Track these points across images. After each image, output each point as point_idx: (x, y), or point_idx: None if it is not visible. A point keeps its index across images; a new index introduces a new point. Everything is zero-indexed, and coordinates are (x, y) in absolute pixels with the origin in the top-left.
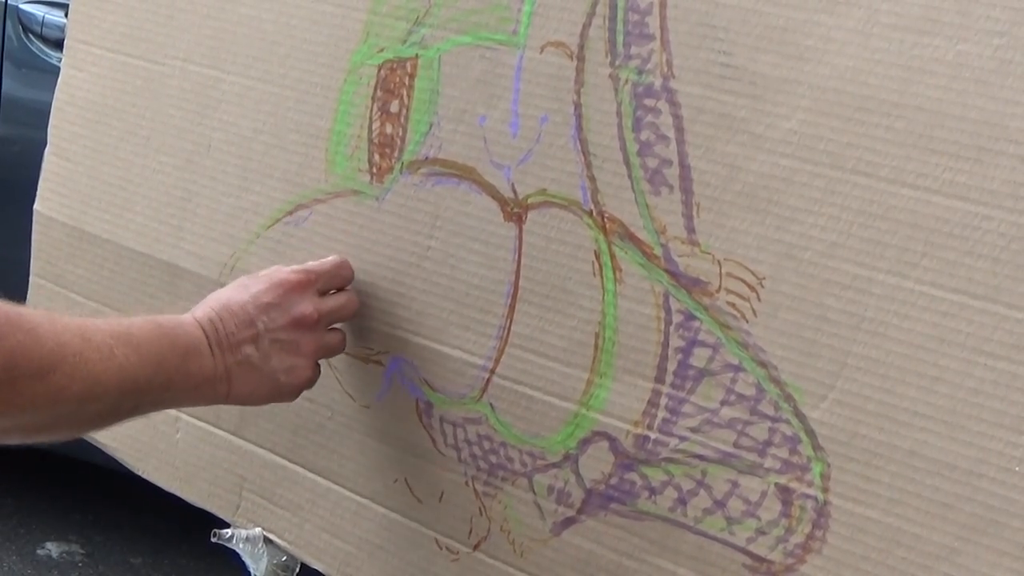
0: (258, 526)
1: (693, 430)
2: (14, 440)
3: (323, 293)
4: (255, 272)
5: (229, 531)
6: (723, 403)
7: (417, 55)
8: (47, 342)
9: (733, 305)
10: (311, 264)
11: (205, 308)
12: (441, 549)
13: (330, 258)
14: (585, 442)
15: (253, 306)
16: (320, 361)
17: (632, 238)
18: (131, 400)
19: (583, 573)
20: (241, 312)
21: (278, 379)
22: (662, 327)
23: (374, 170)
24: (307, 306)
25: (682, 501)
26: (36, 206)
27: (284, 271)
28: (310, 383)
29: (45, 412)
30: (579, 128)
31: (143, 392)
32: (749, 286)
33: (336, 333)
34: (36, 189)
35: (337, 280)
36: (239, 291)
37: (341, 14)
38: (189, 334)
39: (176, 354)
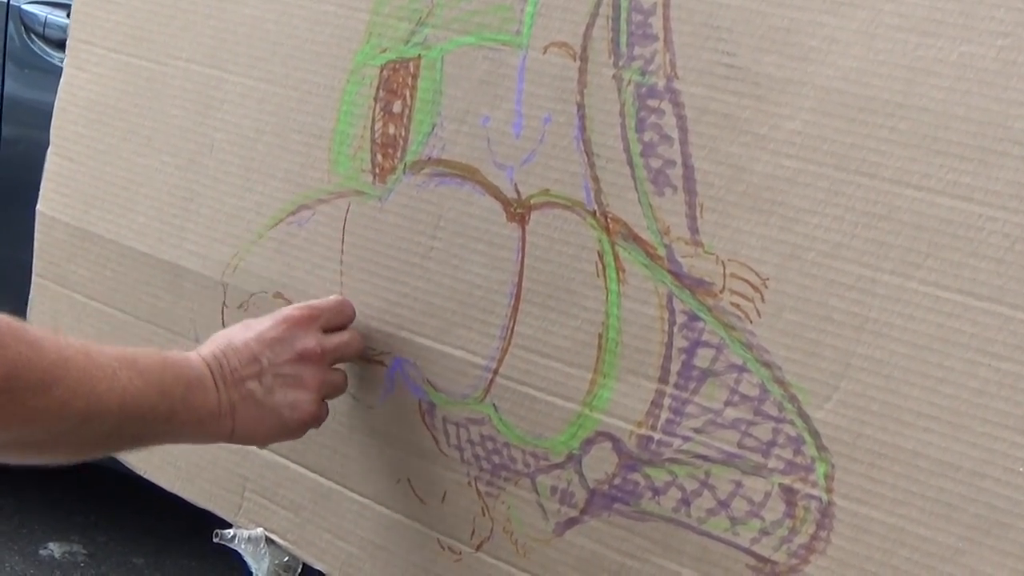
0: (260, 526)
1: (697, 431)
2: (12, 457)
3: (327, 330)
4: (257, 272)
5: (231, 531)
6: (727, 404)
7: (420, 55)
8: (50, 355)
9: (737, 306)
10: (315, 301)
11: (210, 346)
12: (443, 549)
13: (332, 296)
14: (588, 442)
15: (256, 342)
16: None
17: (636, 239)
18: (133, 426)
19: (586, 573)
20: (245, 349)
21: (282, 414)
22: (666, 328)
23: (377, 170)
24: (311, 341)
25: (686, 502)
26: (38, 206)
27: (288, 308)
28: (316, 420)
29: (45, 428)
30: (582, 129)
31: (146, 419)
32: (753, 287)
33: (340, 372)
34: (38, 189)
35: (340, 317)
36: (244, 330)
37: (344, 14)
38: (194, 368)
39: (180, 385)
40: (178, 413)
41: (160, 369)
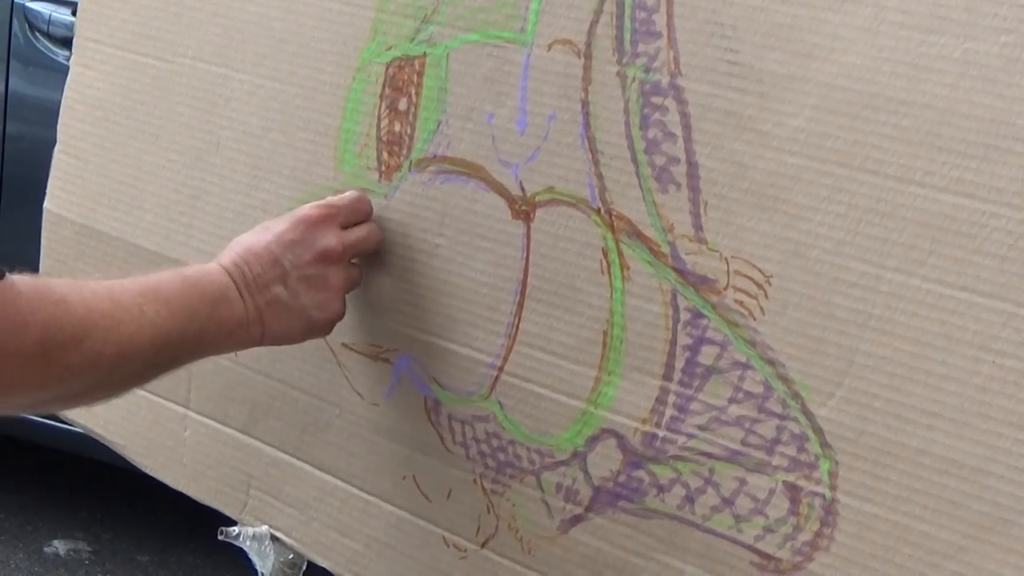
0: (265, 524)
1: (701, 428)
2: (54, 408)
3: (345, 227)
4: None
5: (236, 529)
6: (731, 401)
7: (425, 53)
8: (77, 310)
9: (741, 303)
10: (331, 198)
11: (230, 253)
12: (449, 547)
13: (349, 192)
14: (593, 440)
15: (277, 245)
16: (328, 359)
17: (640, 236)
18: (167, 354)
19: (591, 571)
20: (266, 253)
21: (310, 315)
22: (670, 325)
23: (383, 168)
24: (331, 239)
25: (690, 499)
26: (45, 204)
27: (305, 208)
28: (340, 317)
29: (82, 379)
30: (587, 126)
31: (177, 345)
32: (757, 284)
33: (357, 267)
34: (45, 187)
35: (358, 214)
36: (262, 233)
37: (350, 12)
38: (216, 281)
39: (206, 303)
40: (208, 331)
41: (183, 292)
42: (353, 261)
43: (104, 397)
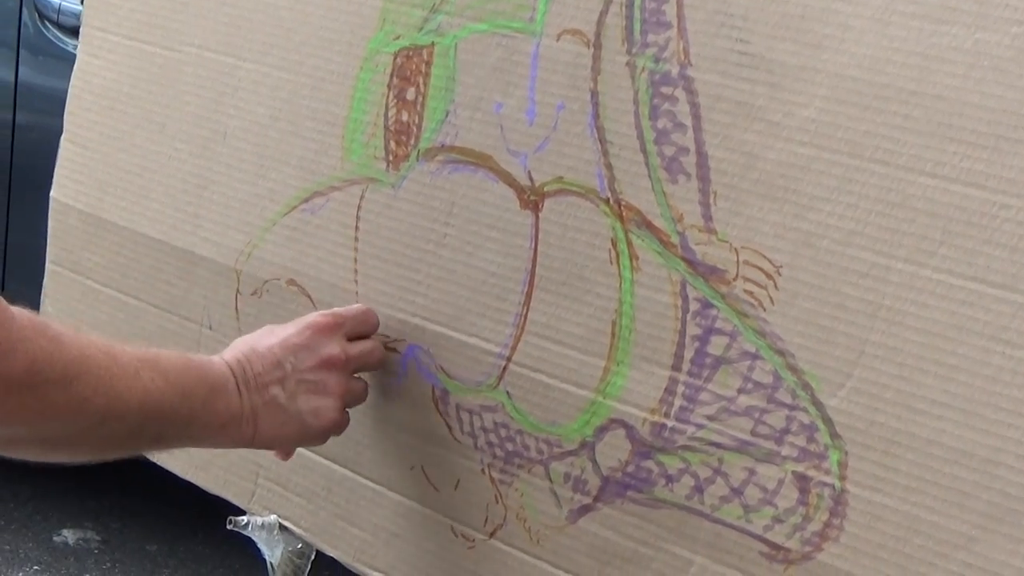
0: (273, 513)
1: (710, 418)
2: (34, 454)
3: (350, 338)
4: (270, 259)
5: (244, 518)
6: (740, 391)
7: (433, 43)
8: (71, 351)
9: (750, 293)
10: (339, 309)
11: (233, 351)
12: (457, 536)
13: (356, 305)
14: (602, 430)
15: (280, 348)
16: None
17: (649, 226)
18: (154, 426)
19: (599, 560)
20: (268, 354)
21: (305, 420)
22: (679, 315)
23: (390, 157)
24: (335, 347)
25: (699, 489)
26: (52, 193)
27: (312, 315)
28: (338, 428)
29: (66, 424)
30: (596, 116)
31: (167, 420)
32: (766, 274)
33: (361, 381)
34: (52, 176)
35: (364, 326)
36: (267, 335)
37: (357, 1)
38: (217, 371)
39: (203, 387)
40: (199, 416)
41: (182, 371)
42: (356, 376)
43: (86, 453)
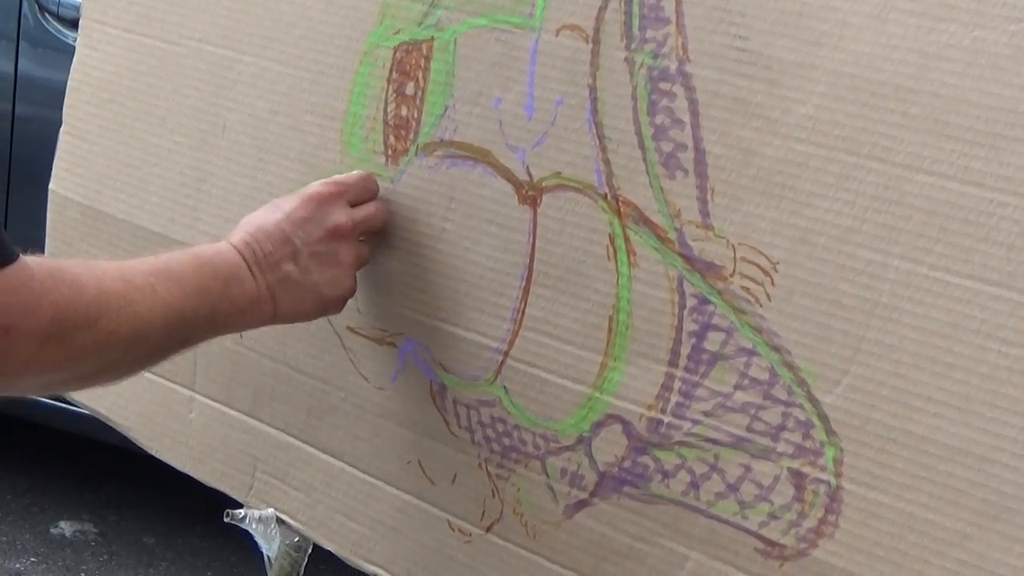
0: (271, 507)
1: (706, 414)
2: (68, 390)
3: (353, 204)
4: None
5: (242, 511)
6: (736, 387)
7: (433, 37)
8: (90, 291)
9: (747, 289)
10: (339, 176)
11: (240, 232)
12: (453, 531)
13: (356, 172)
14: (598, 425)
15: (288, 223)
16: (334, 343)
17: (646, 222)
18: (179, 334)
19: (595, 556)
20: (276, 231)
21: (322, 292)
22: (676, 311)
23: (389, 152)
24: (341, 216)
25: (695, 485)
26: (51, 186)
27: (315, 185)
28: (352, 293)
29: (95, 360)
30: (594, 111)
31: (189, 324)
32: (763, 271)
33: (366, 244)
34: (51, 169)
35: (366, 192)
36: (272, 211)
37: None
38: (228, 260)
39: (218, 282)
40: (220, 310)
41: (195, 271)
42: (361, 238)
43: (116, 378)
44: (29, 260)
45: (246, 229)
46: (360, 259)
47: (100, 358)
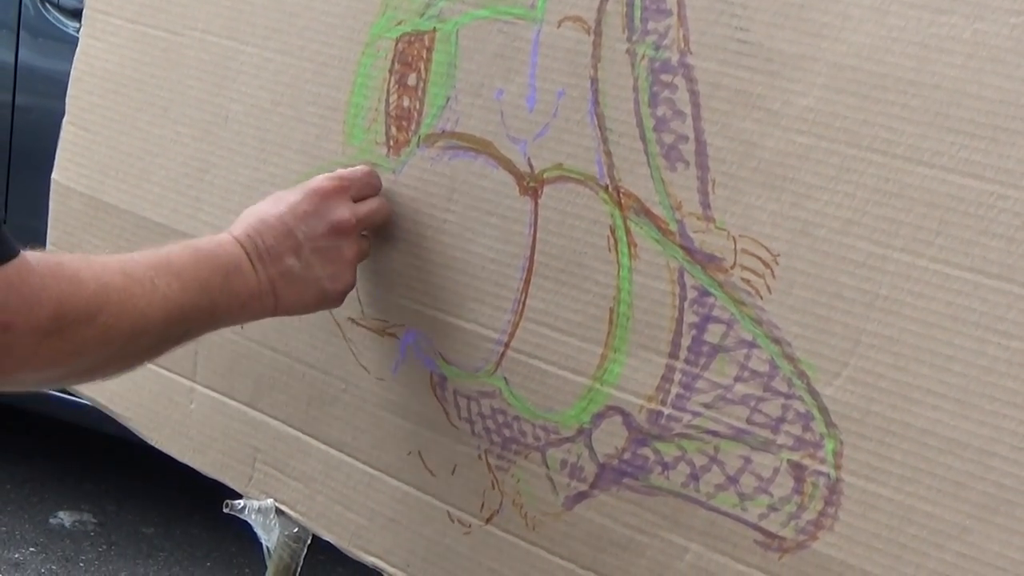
0: (270, 497)
1: (706, 406)
2: (67, 384)
3: (356, 200)
4: None
5: (241, 502)
6: (737, 379)
7: (435, 28)
8: (89, 285)
9: (748, 281)
10: (343, 171)
11: (242, 224)
12: (453, 522)
13: (360, 166)
14: (599, 417)
15: (290, 216)
16: (335, 333)
17: (647, 213)
18: (179, 328)
19: (595, 547)
20: (279, 224)
21: (323, 286)
22: (676, 303)
23: (391, 143)
24: (344, 211)
25: (695, 477)
26: (53, 176)
27: (318, 179)
28: (352, 287)
29: (96, 355)
30: (596, 103)
31: (190, 318)
32: (764, 263)
33: (367, 239)
34: (53, 159)
35: (368, 187)
36: (275, 204)
37: None
38: (229, 253)
39: (218, 275)
40: (220, 303)
41: (196, 264)
42: (363, 233)
43: (117, 371)
44: (29, 256)
45: (248, 221)
46: (361, 254)
47: (100, 353)
